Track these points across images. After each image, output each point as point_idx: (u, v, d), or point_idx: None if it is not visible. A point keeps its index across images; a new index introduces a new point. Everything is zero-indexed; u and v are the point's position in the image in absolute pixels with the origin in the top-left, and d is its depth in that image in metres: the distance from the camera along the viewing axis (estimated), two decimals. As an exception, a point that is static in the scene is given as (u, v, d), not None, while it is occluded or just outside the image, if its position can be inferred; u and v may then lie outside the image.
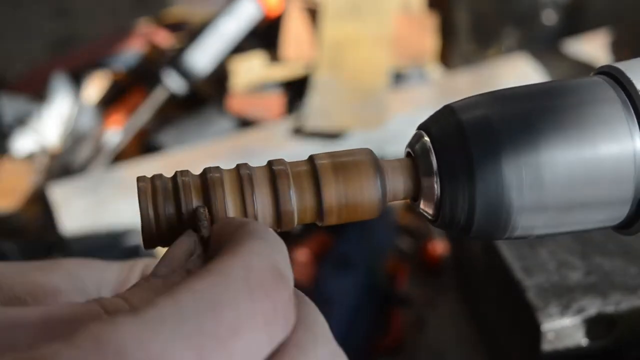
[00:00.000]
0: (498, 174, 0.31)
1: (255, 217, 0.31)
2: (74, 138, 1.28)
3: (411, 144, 0.33)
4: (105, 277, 0.35)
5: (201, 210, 0.30)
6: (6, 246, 1.06)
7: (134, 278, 0.36)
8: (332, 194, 0.31)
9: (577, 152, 0.31)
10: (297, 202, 0.31)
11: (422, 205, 0.33)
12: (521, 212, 0.31)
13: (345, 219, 0.31)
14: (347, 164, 0.31)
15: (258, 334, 0.24)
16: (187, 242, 0.29)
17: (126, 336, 0.21)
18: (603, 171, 0.31)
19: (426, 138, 0.32)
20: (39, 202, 1.18)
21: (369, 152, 0.32)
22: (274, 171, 0.31)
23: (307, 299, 0.28)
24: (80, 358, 0.20)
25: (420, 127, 0.33)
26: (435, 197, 0.32)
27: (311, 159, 0.31)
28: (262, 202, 0.31)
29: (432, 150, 0.32)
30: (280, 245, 0.27)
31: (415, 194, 0.33)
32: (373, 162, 0.31)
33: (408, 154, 0.34)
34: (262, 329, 0.24)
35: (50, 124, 1.30)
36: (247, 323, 0.23)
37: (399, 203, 1.02)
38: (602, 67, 0.34)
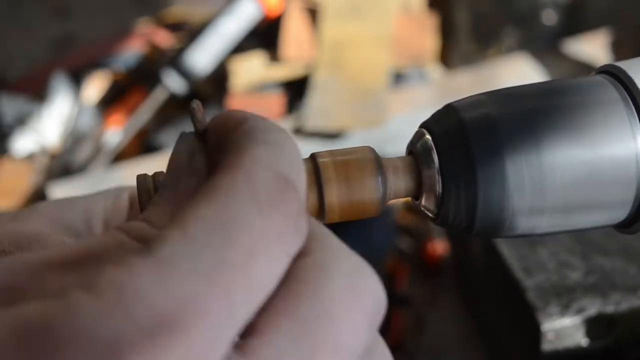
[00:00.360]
0: (499, 173, 0.31)
1: None
2: (74, 138, 1.28)
3: (413, 142, 0.33)
4: (91, 209, 0.34)
5: (194, 105, 0.28)
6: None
7: (123, 205, 0.35)
8: (334, 191, 0.31)
9: (579, 151, 0.31)
10: None
11: (423, 204, 0.33)
12: (522, 211, 0.31)
13: (346, 217, 0.31)
14: (348, 162, 0.31)
15: (274, 251, 0.23)
16: (184, 144, 0.28)
17: (145, 281, 0.20)
18: (605, 171, 0.31)
19: (428, 136, 0.32)
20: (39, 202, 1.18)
21: (370, 150, 0.32)
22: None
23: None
24: (102, 309, 0.20)
25: (422, 126, 0.33)
26: (437, 195, 0.32)
27: (313, 157, 0.31)
28: None
29: (434, 149, 0.32)
30: (284, 144, 0.25)
31: (417, 192, 0.33)
32: (374, 160, 0.31)
33: (410, 152, 0.34)
34: (276, 244, 0.23)
35: (50, 124, 1.30)
36: (261, 243, 0.22)
37: (399, 203, 1.02)
38: (604, 66, 0.34)
